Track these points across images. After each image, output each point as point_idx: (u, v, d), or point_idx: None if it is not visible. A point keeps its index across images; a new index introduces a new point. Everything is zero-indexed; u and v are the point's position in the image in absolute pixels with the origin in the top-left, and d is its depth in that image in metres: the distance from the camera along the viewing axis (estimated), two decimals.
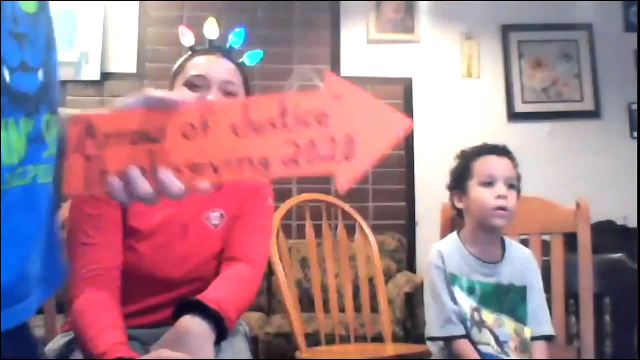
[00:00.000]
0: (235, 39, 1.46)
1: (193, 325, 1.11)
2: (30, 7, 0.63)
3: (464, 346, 1.61)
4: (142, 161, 0.76)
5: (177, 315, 1.14)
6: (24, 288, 0.65)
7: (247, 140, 0.71)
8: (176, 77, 1.41)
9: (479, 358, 1.59)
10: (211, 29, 1.46)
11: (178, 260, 1.35)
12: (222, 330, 1.15)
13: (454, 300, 1.63)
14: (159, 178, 0.76)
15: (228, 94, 1.37)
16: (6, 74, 0.60)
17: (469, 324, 1.61)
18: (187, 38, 1.46)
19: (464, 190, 1.70)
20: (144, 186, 0.77)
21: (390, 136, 0.68)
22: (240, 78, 1.42)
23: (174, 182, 0.76)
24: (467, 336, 1.62)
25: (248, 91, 1.45)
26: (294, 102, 0.70)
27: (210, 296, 1.20)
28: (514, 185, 1.67)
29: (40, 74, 0.65)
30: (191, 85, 1.36)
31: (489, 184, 1.64)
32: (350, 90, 0.69)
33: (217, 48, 1.44)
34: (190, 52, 1.44)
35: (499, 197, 1.62)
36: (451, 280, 1.65)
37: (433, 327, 1.65)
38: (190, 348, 1.07)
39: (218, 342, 1.16)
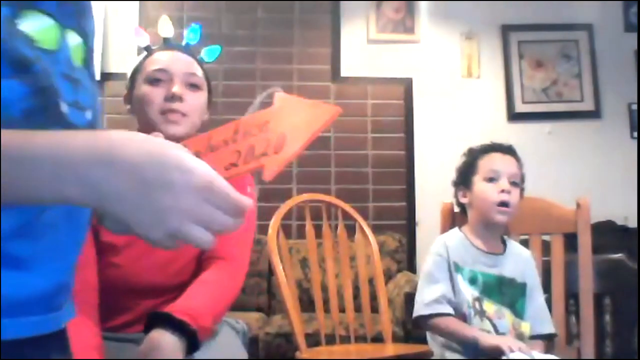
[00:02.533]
0: (191, 35, 1.42)
1: (162, 339, 1.10)
2: (79, 61, 0.73)
3: (451, 321, 1.60)
4: None
5: (149, 328, 1.12)
6: (60, 298, 0.71)
7: (204, 159, 0.76)
8: (135, 77, 1.36)
9: (473, 329, 1.57)
10: (166, 27, 1.42)
11: (159, 266, 1.32)
12: (194, 340, 1.13)
13: (454, 290, 1.63)
14: None
15: (192, 86, 1.33)
16: (64, 107, 0.67)
17: (471, 311, 1.62)
18: (142, 39, 1.41)
19: (468, 185, 1.73)
20: None
21: (316, 124, 0.74)
22: (201, 71, 1.38)
23: None
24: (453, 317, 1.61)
25: (209, 86, 1.41)
26: (246, 121, 0.76)
27: (181, 306, 1.17)
28: (517, 183, 1.70)
29: (89, 114, 0.73)
30: (152, 80, 1.30)
31: (492, 179, 1.68)
32: (292, 100, 0.76)
33: (173, 45, 1.40)
34: (145, 53, 1.40)
35: (502, 191, 1.66)
36: (455, 269, 1.66)
37: (419, 305, 1.66)
38: None
39: (192, 351, 1.14)
